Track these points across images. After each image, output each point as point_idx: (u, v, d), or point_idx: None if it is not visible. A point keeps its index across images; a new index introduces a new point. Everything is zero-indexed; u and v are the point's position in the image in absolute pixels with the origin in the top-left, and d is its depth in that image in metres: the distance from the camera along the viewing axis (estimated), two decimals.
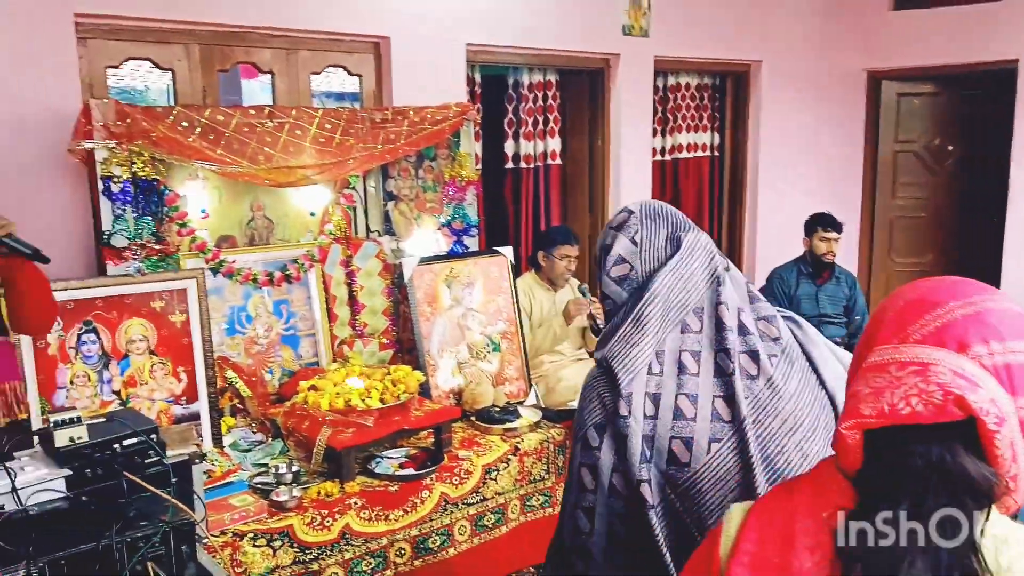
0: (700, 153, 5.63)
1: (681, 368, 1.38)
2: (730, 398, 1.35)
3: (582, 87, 4.94)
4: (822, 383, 1.40)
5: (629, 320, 1.42)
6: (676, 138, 5.49)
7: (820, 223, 4.51)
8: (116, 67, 3.22)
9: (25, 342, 2.59)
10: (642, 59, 4.91)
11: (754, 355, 1.38)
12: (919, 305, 0.91)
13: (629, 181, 4.98)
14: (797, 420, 1.35)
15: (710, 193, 5.75)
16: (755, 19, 5.45)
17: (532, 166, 4.86)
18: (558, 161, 4.99)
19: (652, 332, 1.41)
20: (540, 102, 4.81)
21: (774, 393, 1.36)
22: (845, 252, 5.22)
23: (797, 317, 1.50)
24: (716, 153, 5.77)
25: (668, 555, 1.34)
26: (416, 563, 2.84)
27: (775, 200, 5.75)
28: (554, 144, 4.93)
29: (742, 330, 1.39)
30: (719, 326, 1.39)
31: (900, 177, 6.04)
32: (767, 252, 5.63)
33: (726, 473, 1.33)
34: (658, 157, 5.42)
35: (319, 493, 2.68)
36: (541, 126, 4.85)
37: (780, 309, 1.49)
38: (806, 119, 5.86)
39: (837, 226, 4.51)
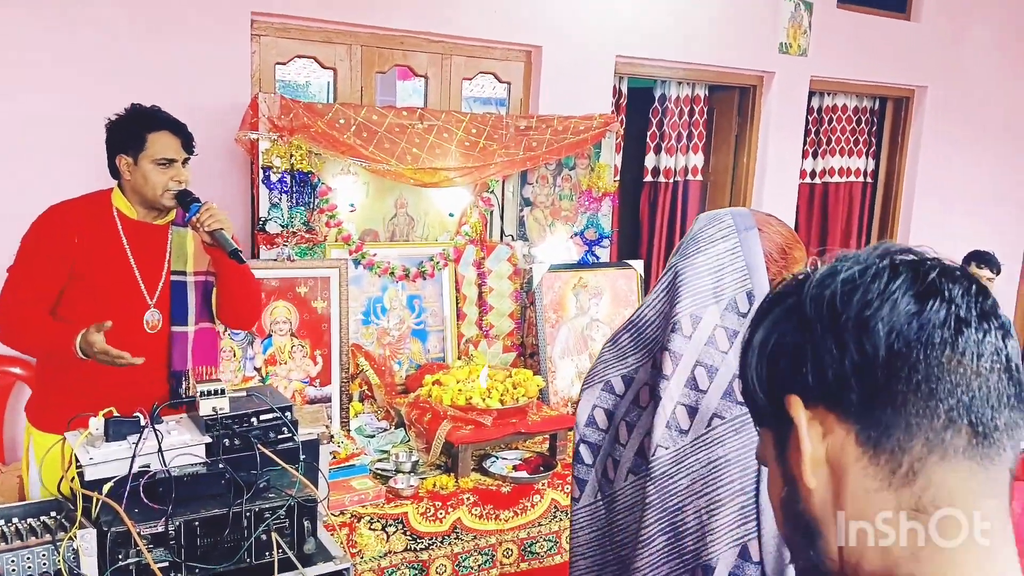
0: (853, 178, 5.39)
1: (636, 399, 1.44)
2: (649, 440, 1.37)
3: (730, 103, 4.83)
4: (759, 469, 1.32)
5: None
6: (828, 161, 5.28)
7: (974, 258, 4.25)
8: (284, 64, 3.43)
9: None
10: (797, 78, 4.76)
11: (692, 411, 1.34)
12: None
13: (772, 202, 4.83)
14: (707, 487, 1.32)
15: (859, 220, 5.49)
16: (923, 43, 5.16)
17: (671, 180, 4.80)
18: (699, 177, 4.90)
19: (618, 357, 1.47)
20: (686, 116, 4.74)
21: (696, 452, 1.33)
22: (1005, 299, 4.87)
23: None
24: (870, 179, 5.51)
25: (576, 539, 1.49)
26: (523, 565, 2.87)
27: (929, 235, 5.42)
28: (696, 160, 4.85)
29: (692, 383, 1.35)
30: (658, 370, 1.37)
31: None
32: None
33: (634, 505, 1.39)
34: (807, 180, 5.24)
35: (434, 485, 2.76)
36: (685, 140, 4.78)
37: None
38: (973, 151, 5.50)
39: (993, 264, 4.21)
